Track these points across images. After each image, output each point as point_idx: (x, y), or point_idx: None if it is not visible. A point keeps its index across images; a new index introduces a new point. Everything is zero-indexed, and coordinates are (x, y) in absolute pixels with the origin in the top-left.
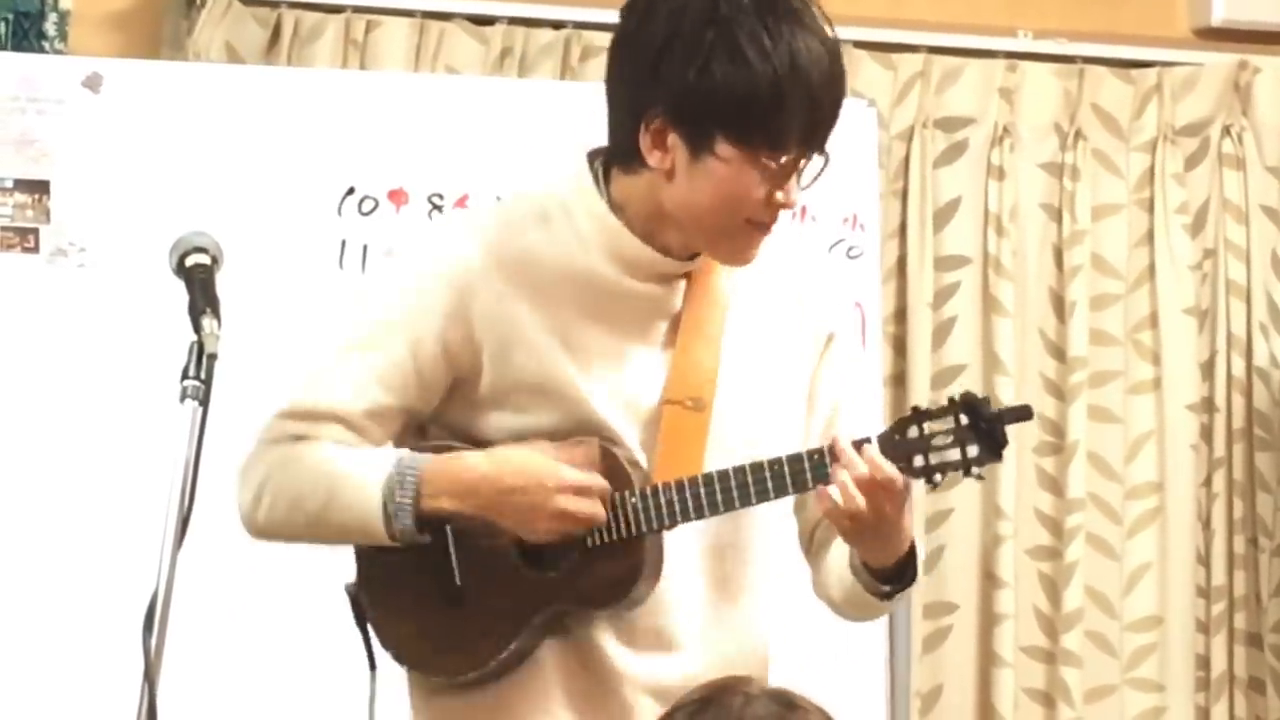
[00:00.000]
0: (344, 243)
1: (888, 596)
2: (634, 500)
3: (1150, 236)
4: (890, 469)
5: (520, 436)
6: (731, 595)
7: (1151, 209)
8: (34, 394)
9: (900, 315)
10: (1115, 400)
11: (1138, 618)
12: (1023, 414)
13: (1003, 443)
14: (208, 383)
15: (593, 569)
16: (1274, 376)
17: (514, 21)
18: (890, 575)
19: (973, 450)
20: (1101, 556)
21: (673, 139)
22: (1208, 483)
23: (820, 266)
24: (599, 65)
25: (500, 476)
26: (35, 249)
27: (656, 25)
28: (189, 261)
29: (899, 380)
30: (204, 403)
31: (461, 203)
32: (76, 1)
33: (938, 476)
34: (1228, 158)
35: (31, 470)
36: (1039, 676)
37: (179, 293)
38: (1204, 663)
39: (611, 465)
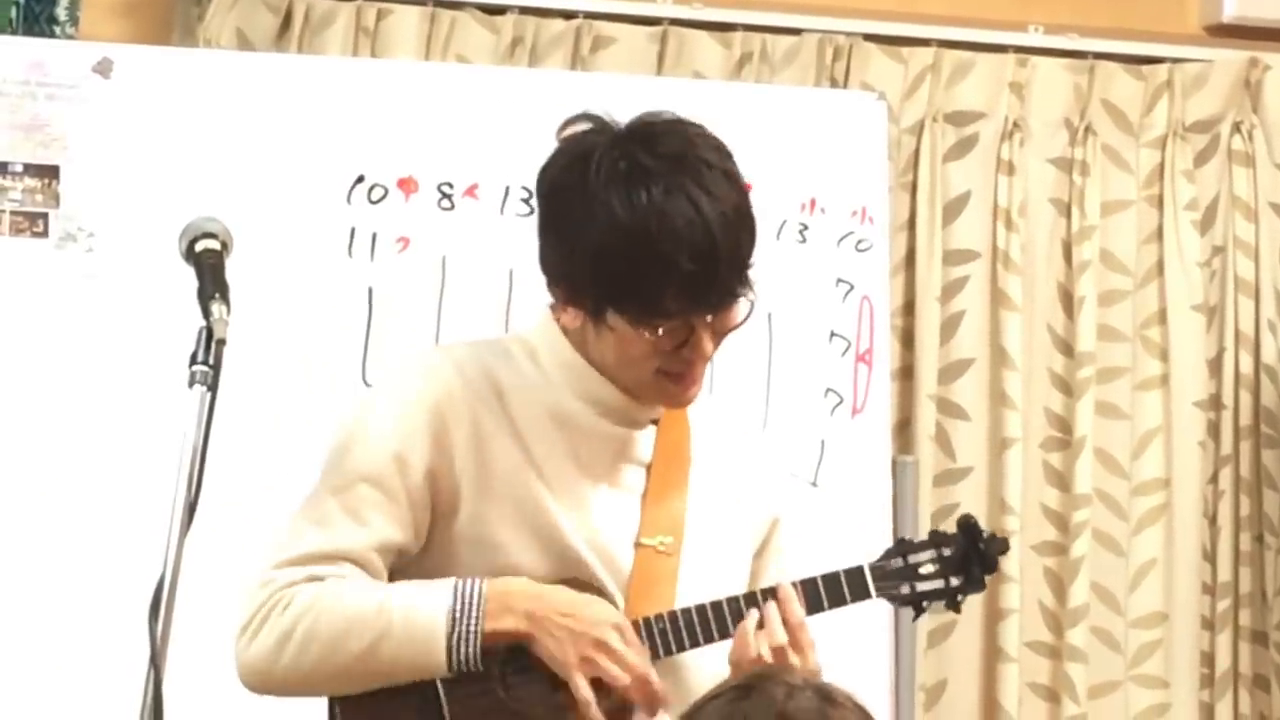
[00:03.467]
0: (353, 230)
1: None
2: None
3: (1159, 233)
4: (798, 617)
5: (498, 574)
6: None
7: (1161, 205)
8: (42, 379)
9: (908, 308)
10: (1123, 396)
11: (1143, 614)
12: (1003, 548)
13: (991, 570)
14: (216, 368)
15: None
16: None
17: (525, 11)
18: None
19: (955, 580)
20: (1107, 552)
21: (574, 308)
22: (1214, 479)
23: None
24: (610, 56)
25: (555, 596)
26: (45, 234)
27: (542, 203)
28: (199, 247)
29: (907, 374)
30: (212, 388)
31: (470, 191)
32: None
33: (925, 604)
34: (1237, 154)
35: (39, 456)
36: (1044, 672)
37: (188, 278)
38: (1209, 659)
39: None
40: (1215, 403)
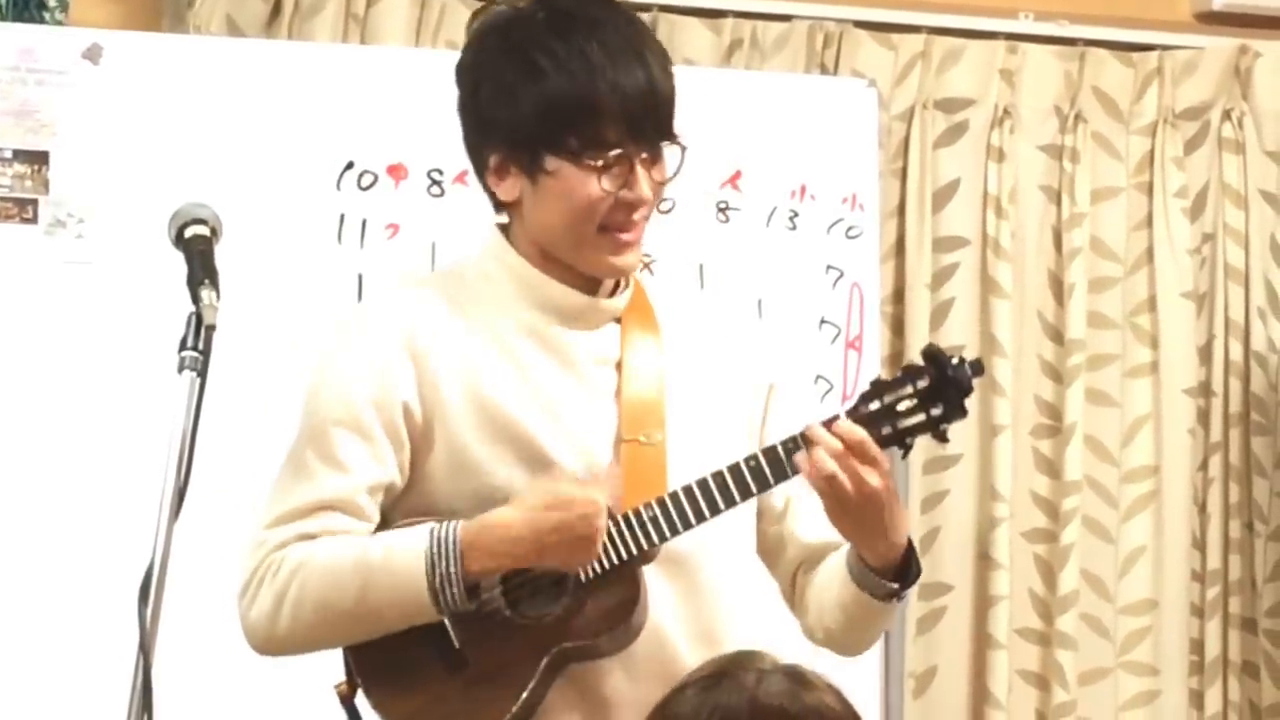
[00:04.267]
0: (343, 217)
1: (895, 595)
2: (620, 525)
3: (1149, 220)
4: (859, 432)
5: (482, 498)
6: (704, 604)
7: (1151, 192)
8: (31, 366)
9: (898, 296)
10: (1113, 383)
11: (1132, 601)
12: (977, 369)
13: (966, 391)
14: (205, 354)
15: (590, 603)
16: (1271, 361)
17: None
18: (894, 575)
19: (936, 410)
20: (1097, 539)
21: (513, 171)
22: (1204, 467)
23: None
24: None
25: (535, 523)
26: (34, 220)
27: (468, 77)
28: (188, 233)
29: (896, 360)
30: (202, 374)
31: (461, 178)
32: None
33: (908, 440)
34: (1227, 142)
35: (28, 442)
36: (1033, 659)
37: (178, 264)
38: (1198, 647)
39: None
40: (1205, 390)
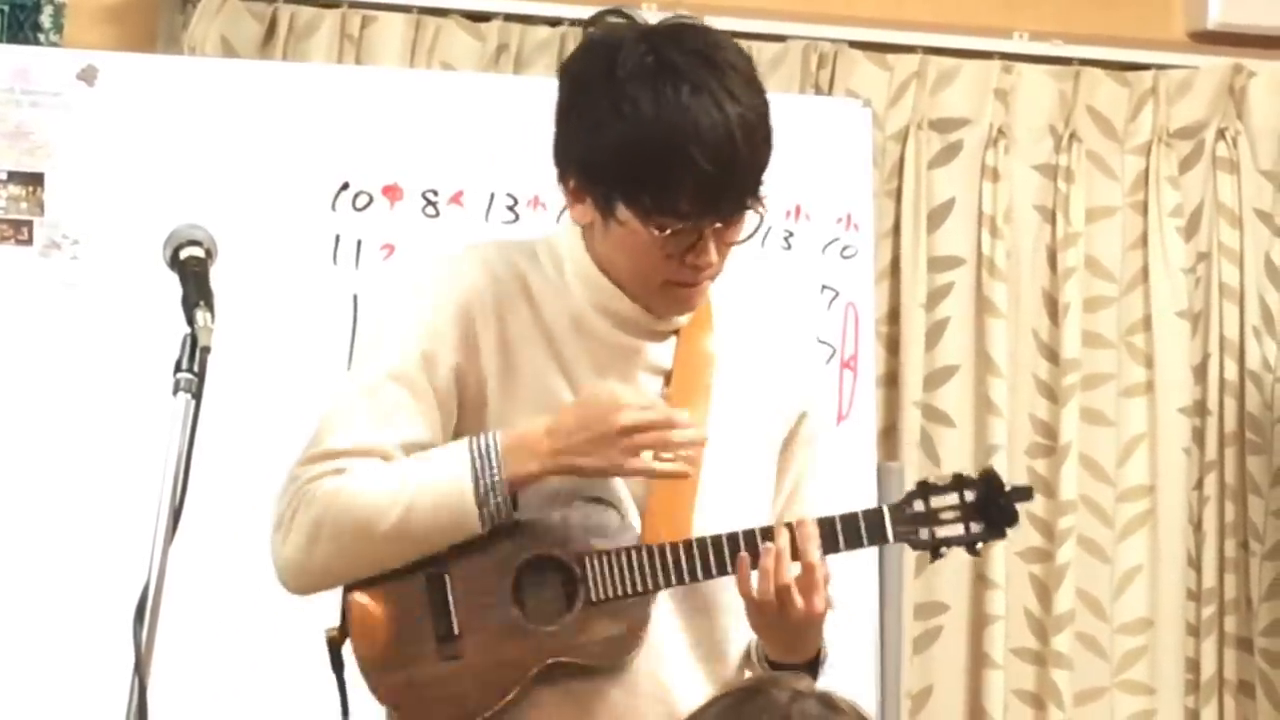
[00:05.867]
0: (338, 238)
1: None
2: (643, 557)
3: (1144, 239)
4: (813, 557)
5: None
6: (711, 624)
7: (1145, 212)
8: (27, 387)
9: (893, 315)
10: (1108, 403)
11: (1128, 620)
12: (1025, 495)
13: (1010, 522)
14: (200, 375)
15: (594, 625)
16: (1266, 380)
17: (510, 18)
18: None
19: (976, 527)
20: (1092, 559)
21: (587, 200)
22: (1199, 486)
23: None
24: None
25: (561, 423)
26: (29, 241)
27: (567, 89)
28: (183, 254)
29: (891, 380)
30: (197, 395)
31: (456, 199)
32: None
33: (943, 550)
34: (1222, 161)
35: (24, 463)
36: (1029, 678)
37: (173, 286)
38: (1194, 666)
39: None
40: (1200, 409)
